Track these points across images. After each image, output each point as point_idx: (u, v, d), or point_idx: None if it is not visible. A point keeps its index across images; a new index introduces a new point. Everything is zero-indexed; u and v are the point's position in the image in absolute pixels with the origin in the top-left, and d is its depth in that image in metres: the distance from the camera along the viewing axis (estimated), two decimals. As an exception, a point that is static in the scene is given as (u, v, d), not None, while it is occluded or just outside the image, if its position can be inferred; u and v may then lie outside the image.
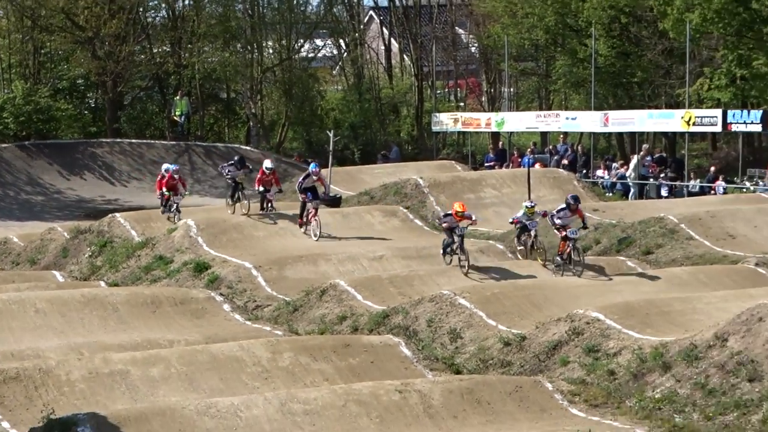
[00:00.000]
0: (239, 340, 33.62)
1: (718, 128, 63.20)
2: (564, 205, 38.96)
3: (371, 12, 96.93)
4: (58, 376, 28.09)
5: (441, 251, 40.29)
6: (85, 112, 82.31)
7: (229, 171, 48.19)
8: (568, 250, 37.75)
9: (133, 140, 76.73)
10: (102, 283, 43.56)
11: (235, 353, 31.37)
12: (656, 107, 70.08)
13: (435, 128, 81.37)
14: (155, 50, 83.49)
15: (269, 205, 46.71)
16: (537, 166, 64.45)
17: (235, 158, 49.47)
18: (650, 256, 41.62)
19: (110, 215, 52.98)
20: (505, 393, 28.32)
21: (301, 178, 45.57)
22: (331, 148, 62.94)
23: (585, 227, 40.66)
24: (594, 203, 54.16)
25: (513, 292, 37.31)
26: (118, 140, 76.26)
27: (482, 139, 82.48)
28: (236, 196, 47.22)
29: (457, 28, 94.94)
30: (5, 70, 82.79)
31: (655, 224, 46.03)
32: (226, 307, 39.11)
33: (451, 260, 37.71)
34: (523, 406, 27.85)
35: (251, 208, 46.77)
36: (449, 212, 41.11)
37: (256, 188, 48.95)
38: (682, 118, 63.09)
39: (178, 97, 78.09)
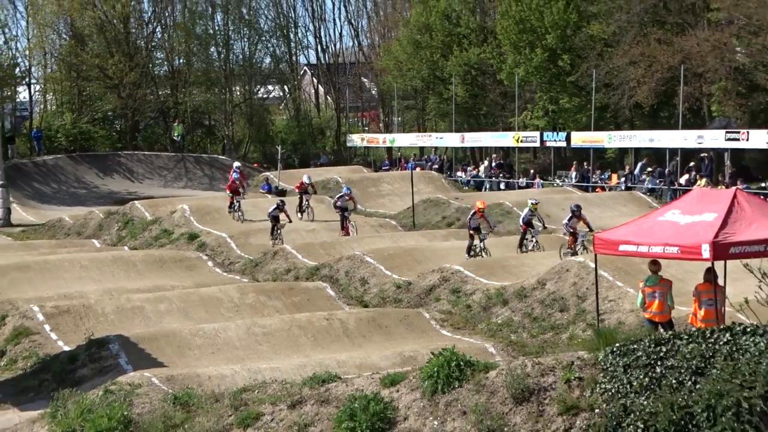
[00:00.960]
0: (218, 285, 33.72)
1: (537, 144, 64.07)
2: (570, 214, 36.79)
3: (305, 68, 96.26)
4: (96, 310, 28.38)
5: (465, 253, 36.73)
6: (113, 133, 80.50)
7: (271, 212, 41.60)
8: (576, 246, 35.61)
9: (146, 152, 75.49)
10: (125, 248, 43.47)
11: (216, 294, 31.53)
12: (496, 130, 68.99)
13: (349, 144, 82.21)
14: (160, 92, 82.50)
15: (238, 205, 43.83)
16: (417, 169, 63.49)
17: (278, 202, 42.78)
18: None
19: (131, 202, 52.46)
20: (397, 320, 28.70)
21: (337, 198, 42.96)
22: (279, 157, 63.77)
23: (591, 230, 36.42)
24: (456, 193, 54.87)
25: (403, 253, 37.43)
26: (136, 152, 75.08)
27: (380, 152, 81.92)
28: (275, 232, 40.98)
29: (363, 78, 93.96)
30: (59, 106, 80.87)
31: (497, 207, 45.62)
32: (210, 263, 39.06)
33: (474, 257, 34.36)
34: (409, 329, 28.17)
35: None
36: (473, 212, 38.16)
37: (236, 188, 47.12)
38: (514, 137, 63.17)
39: (176, 124, 76.80)
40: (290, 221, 40.91)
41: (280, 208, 40.77)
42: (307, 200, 43.65)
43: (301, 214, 43.54)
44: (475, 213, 36.98)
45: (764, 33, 52.34)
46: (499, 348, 25.56)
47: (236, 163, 51.72)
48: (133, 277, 35.45)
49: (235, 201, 43.68)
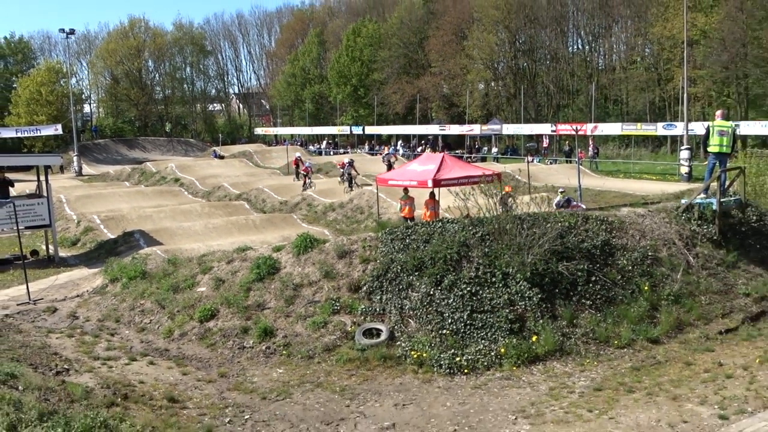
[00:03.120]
0: (189, 204, 36.23)
1: (348, 132, 69.82)
2: (348, 165, 37.41)
3: (233, 94, 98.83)
4: (126, 217, 30.48)
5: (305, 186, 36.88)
6: (135, 127, 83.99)
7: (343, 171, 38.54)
8: (353, 183, 35.68)
9: (152, 137, 79.57)
10: (142, 186, 44.89)
11: (188, 208, 33.25)
12: (327, 125, 75.20)
13: (256, 133, 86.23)
14: (158, 107, 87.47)
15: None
16: (289, 145, 64.82)
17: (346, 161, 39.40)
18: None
19: (144, 163, 55.98)
20: (281, 219, 30.72)
21: (347, 166, 37.67)
22: (220, 139, 73.42)
23: (358, 174, 37.67)
24: (308, 156, 48.62)
25: (282, 186, 38.50)
26: (147, 137, 79.23)
27: (270, 137, 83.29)
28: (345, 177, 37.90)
29: (261, 99, 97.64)
30: (105, 114, 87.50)
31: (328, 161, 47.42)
32: (185, 192, 41.04)
33: None
34: (286, 223, 30.05)
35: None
36: (339, 165, 39.99)
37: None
38: (337, 129, 69.50)
39: (167, 123, 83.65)
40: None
41: (351, 164, 37.88)
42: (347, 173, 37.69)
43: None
44: (339, 165, 39.53)
45: (456, 79, 63.32)
46: (331, 232, 26.79)
47: (297, 154, 48.37)
48: (146, 200, 36.60)
49: (307, 180, 38.56)
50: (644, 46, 56.42)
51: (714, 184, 16.63)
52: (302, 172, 39.59)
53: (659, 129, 46.03)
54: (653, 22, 50.81)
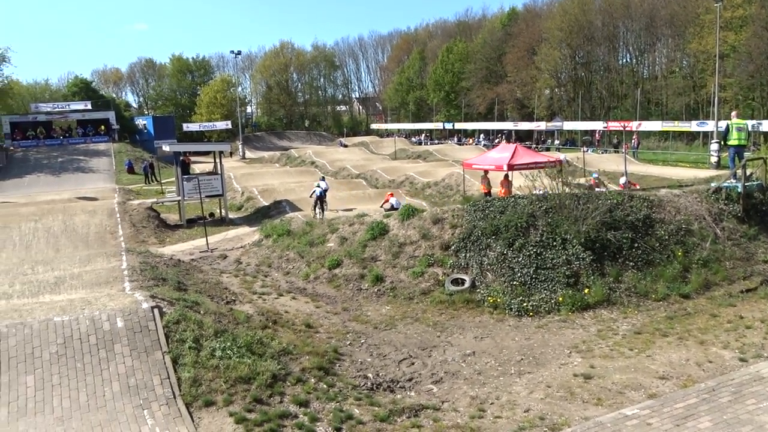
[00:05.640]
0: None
1: (450, 127, 67.13)
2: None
3: (355, 99, 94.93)
4: (277, 189, 29.84)
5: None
6: (282, 123, 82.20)
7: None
8: None
9: (294, 130, 77.80)
10: (288, 168, 43.19)
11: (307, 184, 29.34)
12: (431, 121, 72.35)
13: (371, 127, 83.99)
14: (300, 108, 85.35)
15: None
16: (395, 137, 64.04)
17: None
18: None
19: (290, 150, 54.47)
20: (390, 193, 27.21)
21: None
22: (345, 134, 69.99)
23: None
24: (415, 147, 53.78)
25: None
26: (291, 131, 77.46)
27: (382, 131, 79.52)
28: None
29: (376, 102, 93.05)
30: (261, 114, 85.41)
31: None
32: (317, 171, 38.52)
33: None
34: (394, 197, 27.03)
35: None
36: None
37: None
38: (436, 123, 69.29)
39: (307, 120, 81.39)
40: None
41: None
42: None
43: None
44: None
45: (527, 86, 61.32)
46: (427, 204, 24.92)
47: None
48: (290, 177, 36.12)
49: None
50: (682, 59, 53.68)
51: (739, 171, 15.73)
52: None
53: (693, 126, 43.74)
54: (690, 39, 48.38)
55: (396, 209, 19.52)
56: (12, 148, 48.49)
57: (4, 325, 8.81)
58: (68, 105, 56.35)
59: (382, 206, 22.42)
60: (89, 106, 56.04)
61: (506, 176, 21.82)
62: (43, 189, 33.22)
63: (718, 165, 33.82)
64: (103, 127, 53.69)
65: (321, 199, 23.26)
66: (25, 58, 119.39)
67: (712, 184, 16.35)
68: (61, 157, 45.04)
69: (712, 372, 9.13)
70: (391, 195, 23.82)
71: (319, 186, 23.86)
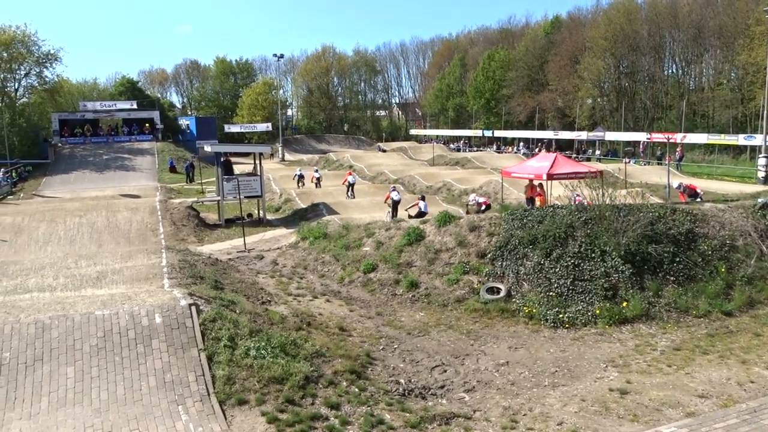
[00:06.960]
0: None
1: (490, 134, 66.93)
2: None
3: (395, 104, 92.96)
4: (314, 192, 30.31)
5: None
6: (322, 126, 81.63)
7: None
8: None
9: (332, 134, 77.61)
10: (326, 171, 42.70)
11: (359, 187, 32.10)
12: (469, 128, 71.04)
13: (410, 133, 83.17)
14: (340, 112, 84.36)
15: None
16: (433, 143, 67.25)
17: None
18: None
19: (328, 153, 56.13)
20: (427, 200, 25.37)
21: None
22: (384, 138, 69.66)
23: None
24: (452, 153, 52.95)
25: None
26: (330, 134, 77.44)
27: (420, 137, 79.13)
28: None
29: (416, 108, 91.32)
30: (302, 117, 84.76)
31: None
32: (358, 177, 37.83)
33: None
34: (431, 203, 26.34)
35: None
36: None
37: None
38: (474, 129, 69.00)
39: (346, 124, 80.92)
40: None
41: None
42: None
43: None
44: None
45: (569, 95, 59.91)
46: (464, 212, 23.10)
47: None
48: (328, 180, 35.53)
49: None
50: (731, 71, 51.77)
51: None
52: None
53: (740, 139, 42.07)
54: (740, 50, 46.91)
55: (425, 213, 19.63)
56: (60, 144, 49.77)
57: (47, 317, 9.02)
58: (115, 104, 57.58)
59: (407, 210, 22.16)
60: (135, 106, 57.16)
61: (539, 185, 21.71)
62: (88, 185, 34.65)
63: (766, 180, 33.11)
64: (147, 126, 55.28)
65: (394, 208, 23.08)
66: (76, 58, 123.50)
67: (759, 200, 15.95)
68: (106, 154, 46.09)
69: (754, 392, 8.87)
70: (421, 199, 23.44)
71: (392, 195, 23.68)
